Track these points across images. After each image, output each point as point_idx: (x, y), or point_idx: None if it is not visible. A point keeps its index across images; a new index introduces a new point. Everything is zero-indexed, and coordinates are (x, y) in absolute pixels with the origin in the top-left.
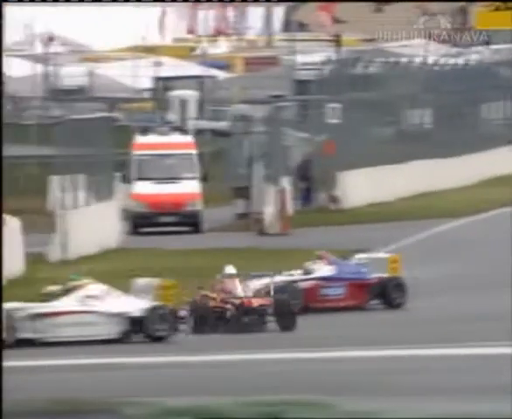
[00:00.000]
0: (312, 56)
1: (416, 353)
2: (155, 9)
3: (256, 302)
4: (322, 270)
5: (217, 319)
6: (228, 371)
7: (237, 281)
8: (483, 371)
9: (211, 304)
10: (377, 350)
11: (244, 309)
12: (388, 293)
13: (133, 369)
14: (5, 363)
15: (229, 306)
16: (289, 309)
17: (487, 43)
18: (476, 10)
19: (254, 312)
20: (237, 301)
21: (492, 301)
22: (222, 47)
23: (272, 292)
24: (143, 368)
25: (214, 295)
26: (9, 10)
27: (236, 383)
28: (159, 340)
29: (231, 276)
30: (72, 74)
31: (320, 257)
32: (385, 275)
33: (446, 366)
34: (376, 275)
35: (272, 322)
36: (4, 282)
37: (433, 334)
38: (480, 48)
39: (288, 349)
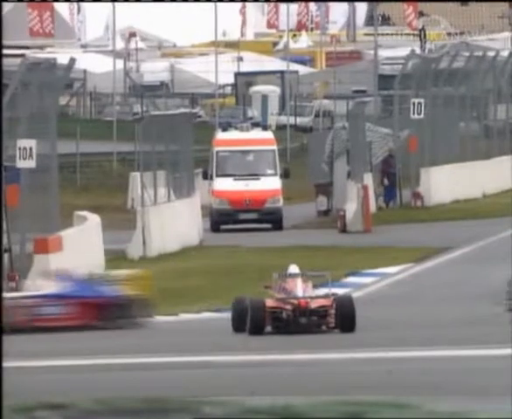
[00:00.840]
0: (396, 50)
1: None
2: (237, 3)
3: (315, 303)
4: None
5: (274, 320)
6: (307, 370)
7: (299, 280)
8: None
9: (268, 304)
10: (462, 349)
11: (301, 310)
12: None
13: (203, 368)
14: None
15: (287, 307)
16: (351, 310)
17: None
18: None
19: (312, 314)
20: (295, 301)
21: None
22: (304, 42)
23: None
24: (216, 367)
25: (274, 294)
26: (89, 6)
27: (316, 382)
28: None
29: (294, 275)
30: (154, 70)
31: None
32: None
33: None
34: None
35: (332, 323)
36: None
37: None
38: None
39: (362, 349)
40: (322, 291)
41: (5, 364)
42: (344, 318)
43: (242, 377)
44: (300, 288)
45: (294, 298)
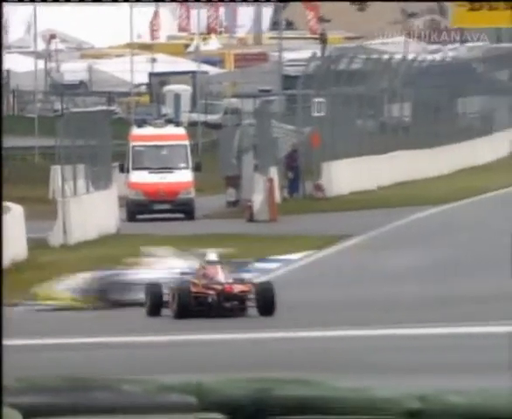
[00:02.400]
0: (299, 53)
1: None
2: (151, 8)
3: (237, 288)
4: None
5: (199, 305)
6: (225, 349)
7: (219, 267)
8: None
9: (193, 289)
10: (363, 329)
11: (225, 295)
12: None
13: (124, 348)
14: (8, 342)
15: (211, 292)
16: (271, 294)
17: (463, 40)
18: (452, 9)
19: (235, 298)
20: (219, 287)
21: (447, 285)
22: (214, 44)
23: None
24: (136, 348)
25: (196, 281)
26: (11, 8)
27: (225, 361)
28: None
29: (213, 262)
30: (73, 70)
31: None
32: None
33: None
34: None
35: (253, 307)
36: (9, 265)
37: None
38: (456, 45)
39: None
40: (240, 276)
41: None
42: (265, 302)
43: (167, 356)
44: (221, 274)
45: (217, 283)
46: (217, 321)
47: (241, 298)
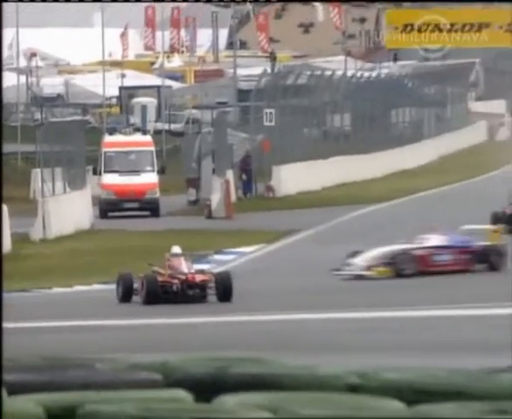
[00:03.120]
0: (251, 69)
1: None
2: (120, 29)
3: (198, 277)
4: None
5: (165, 292)
6: (181, 332)
7: (182, 259)
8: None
9: (160, 279)
10: (310, 313)
11: (188, 283)
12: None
13: (103, 331)
14: None
15: (176, 281)
16: (228, 283)
17: (396, 59)
18: (386, 32)
19: (197, 287)
20: (183, 277)
21: None
22: (176, 62)
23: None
24: (112, 330)
25: (163, 271)
26: (3, 32)
27: (188, 343)
28: None
29: (176, 255)
30: (51, 84)
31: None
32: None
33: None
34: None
35: (212, 294)
36: None
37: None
38: (389, 63)
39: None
40: (200, 267)
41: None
42: (223, 289)
43: (136, 338)
44: (184, 265)
45: (181, 273)
46: (181, 307)
47: (202, 287)
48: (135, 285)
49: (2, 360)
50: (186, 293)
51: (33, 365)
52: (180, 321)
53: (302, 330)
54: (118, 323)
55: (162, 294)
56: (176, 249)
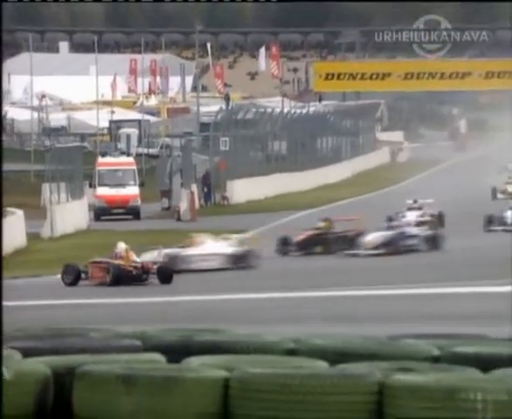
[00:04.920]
0: (210, 107)
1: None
2: (109, 78)
3: (150, 265)
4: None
5: (126, 277)
6: (159, 307)
7: (131, 252)
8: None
9: (122, 266)
10: (253, 293)
11: (144, 269)
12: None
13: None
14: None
15: (134, 268)
16: (168, 270)
17: (320, 99)
18: (314, 78)
19: (148, 273)
20: (139, 265)
21: (310, 261)
22: (153, 101)
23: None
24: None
25: (124, 262)
26: (16, 78)
27: (171, 317)
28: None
29: (124, 249)
30: (57, 118)
31: None
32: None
33: None
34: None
35: (155, 279)
36: (11, 251)
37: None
38: (316, 103)
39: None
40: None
41: None
42: (165, 275)
43: (117, 311)
44: (134, 256)
45: (137, 262)
46: (139, 288)
47: (150, 273)
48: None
49: (2, 348)
50: (141, 277)
51: (40, 334)
52: (135, 301)
53: (247, 307)
54: (108, 301)
55: (124, 278)
56: (122, 244)
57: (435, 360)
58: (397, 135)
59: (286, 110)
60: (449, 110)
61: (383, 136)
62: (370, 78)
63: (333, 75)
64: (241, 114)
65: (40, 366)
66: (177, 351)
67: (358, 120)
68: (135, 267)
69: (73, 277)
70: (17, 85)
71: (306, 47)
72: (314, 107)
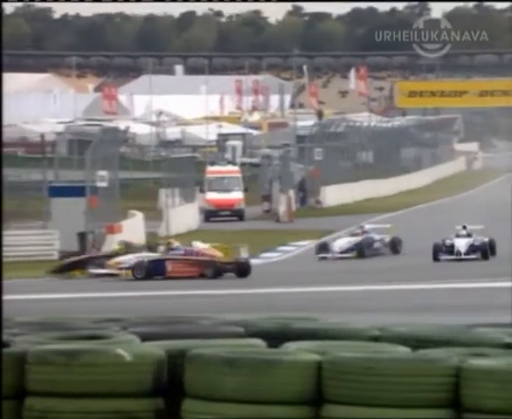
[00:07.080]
0: (306, 122)
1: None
2: (219, 95)
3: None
4: None
5: (221, 270)
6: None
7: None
8: None
9: (217, 261)
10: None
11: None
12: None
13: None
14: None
15: (225, 263)
16: (248, 265)
17: (404, 114)
18: (397, 95)
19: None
20: (226, 260)
21: None
22: (255, 117)
23: None
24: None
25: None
26: (140, 98)
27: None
28: None
29: (208, 246)
30: (172, 132)
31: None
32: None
33: None
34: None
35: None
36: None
37: None
38: (400, 117)
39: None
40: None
41: None
42: (242, 269)
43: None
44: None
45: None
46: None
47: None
48: None
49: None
50: (228, 271)
51: (156, 322)
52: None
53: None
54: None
55: (219, 271)
56: (197, 243)
57: (507, 346)
58: (472, 146)
59: (372, 124)
60: None
61: (459, 147)
62: (449, 95)
63: (415, 93)
64: (333, 128)
65: (156, 349)
66: (276, 337)
67: (437, 133)
68: (226, 262)
69: (145, 272)
70: (139, 103)
71: (390, 68)
72: (398, 122)
